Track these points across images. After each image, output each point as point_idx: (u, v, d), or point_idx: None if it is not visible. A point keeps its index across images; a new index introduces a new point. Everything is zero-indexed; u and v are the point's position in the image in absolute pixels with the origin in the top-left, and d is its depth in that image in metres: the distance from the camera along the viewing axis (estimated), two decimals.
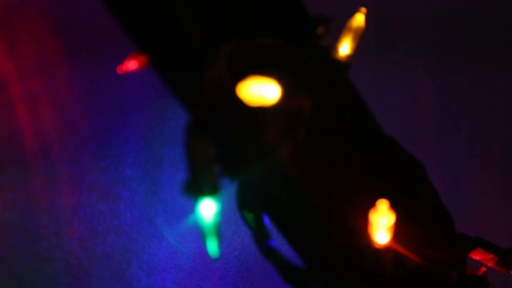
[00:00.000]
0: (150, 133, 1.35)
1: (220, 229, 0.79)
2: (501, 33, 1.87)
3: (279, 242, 0.96)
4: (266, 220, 0.96)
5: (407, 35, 1.76)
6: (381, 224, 0.84)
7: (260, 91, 0.75)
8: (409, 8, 1.76)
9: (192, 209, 0.79)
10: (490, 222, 1.92)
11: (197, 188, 0.77)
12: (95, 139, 1.28)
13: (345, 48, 1.02)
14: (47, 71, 1.22)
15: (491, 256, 1.11)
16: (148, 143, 1.34)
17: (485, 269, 1.10)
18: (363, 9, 1.06)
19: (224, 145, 0.81)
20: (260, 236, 0.95)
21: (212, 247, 0.79)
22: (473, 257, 1.11)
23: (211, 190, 0.77)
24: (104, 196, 1.29)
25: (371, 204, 0.85)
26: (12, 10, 1.18)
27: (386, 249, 0.87)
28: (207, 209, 0.77)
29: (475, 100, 1.88)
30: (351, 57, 1.03)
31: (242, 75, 0.76)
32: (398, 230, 0.87)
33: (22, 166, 1.20)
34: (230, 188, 0.86)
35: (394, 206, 0.85)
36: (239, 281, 1.52)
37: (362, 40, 1.05)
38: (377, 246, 0.87)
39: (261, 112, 0.76)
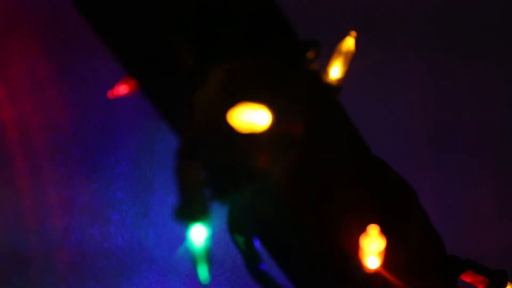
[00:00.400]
0: (141, 155, 1.35)
1: (211, 252, 0.79)
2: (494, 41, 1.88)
3: (270, 266, 0.96)
4: (257, 244, 0.96)
5: (398, 52, 1.76)
6: (372, 249, 0.84)
7: (251, 118, 0.75)
8: (399, 26, 1.76)
9: (182, 231, 0.79)
10: (481, 243, 1.92)
11: (188, 213, 0.77)
12: (86, 161, 1.28)
13: (335, 71, 1.03)
14: (38, 93, 1.22)
15: (482, 278, 1.11)
16: (139, 165, 1.34)
17: None
18: (353, 33, 1.06)
19: (215, 169, 0.81)
20: (251, 259, 0.95)
21: (203, 272, 0.79)
22: (464, 279, 1.11)
23: (202, 215, 0.77)
24: (95, 219, 1.29)
25: (362, 228, 0.85)
26: (3, 32, 1.18)
27: (376, 274, 0.87)
28: (198, 234, 0.77)
29: (468, 119, 1.88)
30: (341, 81, 1.03)
31: (234, 98, 0.76)
32: (389, 255, 0.87)
33: (13, 188, 1.20)
34: (220, 210, 0.86)
35: (385, 230, 0.85)
36: None
37: (352, 63, 1.05)
38: (367, 271, 0.87)
39: (252, 138, 0.76)
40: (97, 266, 1.30)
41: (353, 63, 1.03)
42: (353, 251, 0.87)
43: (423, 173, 1.83)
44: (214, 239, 0.79)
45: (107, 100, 1.28)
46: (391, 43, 1.73)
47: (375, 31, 1.68)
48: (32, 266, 1.22)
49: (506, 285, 1.12)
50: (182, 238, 0.78)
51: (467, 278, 1.11)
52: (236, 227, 0.96)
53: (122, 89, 0.87)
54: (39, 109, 1.22)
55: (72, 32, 1.25)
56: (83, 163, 1.28)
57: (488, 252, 1.87)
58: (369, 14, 1.70)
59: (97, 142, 1.29)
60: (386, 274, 0.89)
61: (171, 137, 0.87)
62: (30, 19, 1.22)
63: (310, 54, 0.86)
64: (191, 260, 0.78)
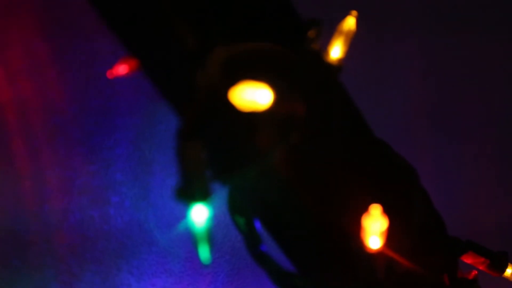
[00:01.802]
0: (141, 137, 1.34)
1: (212, 234, 0.79)
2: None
3: (271, 247, 0.96)
4: (258, 225, 0.95)
5: (399, 34, 1.76)
6: (374, 229, 0.84)
7: (253, 96, 0.74)
8: (400, 9, 1.76)
9: (182, 213, 0.78)
10: (482, 224, 1.92)
11: (189, 193, 0.76)
12: (86, 143, 1.27)
13: (336, 51, 1.02)
14: (37, 74, 1.22)
15: (483, 259, 1.11)
16: (138, 146, 1.34)
17: (476, 272, 1.10)
18: (354, 12, 1.06)
19: (216, 150, 0.80)
20: (251, 241, 0.95)
21: (204, 252, 0.79)
22: (465, 260, 1.11)
23: (203, 196, 0.76)
24: (94, 201, 1.29)
25: (364, 209, 0.85)
26: (2, 14, 1.17)
27: (378, 254, 0.87)
28: (199, 214, 0.77)
29: (467, 101, 1.88)
30: (342, 60, 1.03)
31: (235, 79, 0.75)
32: (391, 235, 0.87)
33: (12, 170, 1.20)
34: (221, 192, 0.85)
35: (386, 210, 0.85)
36: (230, 285, 1.51)
37: (353, 42, 1.05)
38: (369, 251, 0.87)
39: (253, 117, 0.75)
40: (97, 248, 1.30)
41: (354, 42, 1.03)
42: (355, 231, 0.87)
43: (424, 154, 1.83)
44: (214, 221, 0.79)
45: (106, 82, 1.27)
46: (392, 23, 1.72)
47: (377, 10, 1.67)
48: (32, 249, 1.22)
49: (506, 267, 1.12)
50: (182, 220, 0.78)
51: (468, 259, 1.11)
52: (237, 209, 0.96)
53: (121, 69, 0.86)
54: (38, 91, 1.22)
55: (71, 13, 1.24)
56: (82, 144, 1.27)
57: (486, 233, 1.88)
58: None
59: (97, 123, 1.29)
60: (388, 254, 0.88)
61: (171, 119, 0.86)
62: (28, 1, 1.21)
63: (311, 34, 0.86)
64: (192, 241, 0.78)
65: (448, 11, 1.81)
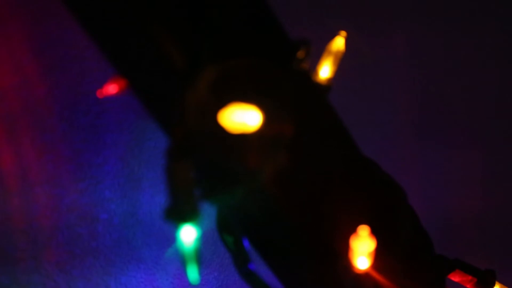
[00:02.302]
0: (129, 154, 1.34)
1: (200, 252, 0.79)
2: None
3: (259, 265, 0.96)
4: (246, 243, 0.96)
5: (387, 60, 1.77)
6: (362, 250, 0.85)
7: (242, 118, 0.75)
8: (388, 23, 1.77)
9: (171, 230, 0.79)
10: (469, 242, 1.93)
11: (178, 213, 0.76)
12: (74, 160, 1.27)
13: (325, 71, 1.03)
14: (26, 92, 1.22)
15: (470, 277, 1.11)
16: (127, 164, 1.34)
17: None
18: (343, 33, 1.06)
19: (205, 169, 0.80)
20: (240, 259, 0.95)
21: (193, 272, 0.79)
22: (452, 278, 1.11)
23: (192, 216, 0.77)
24: (83, 218, 1.29)
25: (352, 228, 0.86)
26: None
27: (366, 275, 0.87)
28: (188, 234, 0.77)
29: (454, 117, 1.89)
30: (331, 80, 1.03)
31: (224, 99, 0.75)
32: (378, 254, 0.87)
33: (0, 187, 1.20)
34: (210, 209, 0.86)
35: (373, 229, 0.85)
36: None
37: (343, 62, 1.05)
38: (357, 271, 0.87)
39: (242, 137, 0.76)
40: (85, 265, 1.29)
41: (343, 62, 1.04)
42: (343, 251, 0.87)
43: (412, 172, 1.84)
44: (203, 239, 0.79)
45: (95, 99, 1.27)
46: (380, 43, 1.73)
47: (365, 30, 1.68)
48: (20, 266, 1.22)
49: (494, 285, 1.12)
50: (170, 237, 0.78)
51: (455, 277, 1.11)
52: (225, 227, 0.96)
53: (111, 89, 0.87)
54: (27, 108, 1.22)
55: (60, 31, 1.24)
56: (71, 161, 1.27)
57: (475, 253, 1.88)
58: (359, 13, 1.70)
59: (85, 140, 1.28)
60: (375, 275, 0.89)
61: (159, 136, 0.87)
62: (18, 17, 1.21)
63: (300, 54, 0.86)
64: (181, 261, 0.78)
65: (436, 24, 1.82)
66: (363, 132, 1.05)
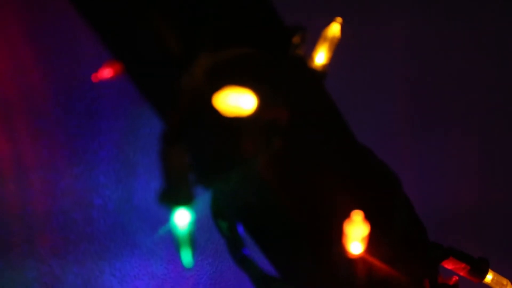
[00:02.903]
0: (124, 140, 1.34)
1: (194, 237, 0.79)
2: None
3: (253, 251, 0.96)
4: (240, 229, 0.96)
5: (383, 46, 1.77)
6: (356, 235, 0.85)
7: (237, 101, 0.75)
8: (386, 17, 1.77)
9: (165, 216, 0.79)
10: (463, 230, 1.93)
11: (172, 197, 0.77)
12: (69, 145, 1.27)
13: (320, 57, 1.03)
14: (21, 77, 1.21)
15: (463, 265, 1.11)
16: (122, 149, 1.34)
17: (457, 278, 1.10)
18: (339, 19, 1.06)
19: (200, 154, 0.81)
20: (234, 244, 0.95)
21: (186, 256, 0.79)
22: (446, 266, 1.11)
23: (186, 200, 0.77)
24: (77, 203, 1.29)
25: (346, 214, 0.86)
26: None
27: (359, 259, 0.87)
28: (182, 218, 0.77)
29: (450, 108, 1.89)
30: (326, 67, 1.03)
31: (219, 85, 0.76)
32: (372, 241, 0.87)
33: None
34: (204, 195, 0.86)
35: (368, 216, 0.85)
36: (212, 287, 1.52)
37: (338, 48, 1.05)
38: (351, 256, 0.87)
39: (237, 122, 0.76)
40: (79, 250, 1.30)
41: (338, 49, 1.03)
42: (337, 236, 0.87)
43: (407, 160, 1.84)
44: (197, 224, 0.80)
45: (90, 85, 1.27)
46: (377, 29, 1.73)
47: (361, 16, 1.68)
48: (14, 250, 1.22)
49: (487, 273, 1.13)
50: (165, 223, 0.78)
51: (448, 265, 1.11)
52: (220, 213, 0.96)
53: (106, 73, 0.87)
54: (22, 93, 1.22)
55: (55, 16, 1.24)
56: (66, 147, 1.27)
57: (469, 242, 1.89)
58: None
59: (80, 126, 1.28)
60: (369, 260, 0.89)
61: (155, 122, 0.87)
62: (13, 3, 1.21)
63: (295, 40, 0.86)
64: (175, 244, 0.79)
65: (433, 14, 1.82)
66: (358, 119, 1.05)
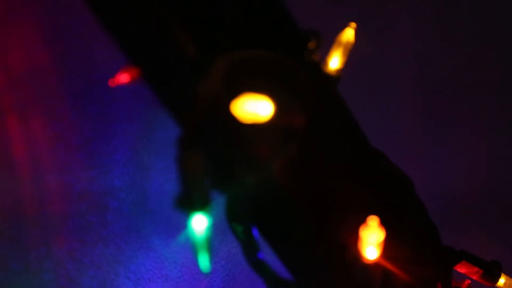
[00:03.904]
0: (139, 143, 1.35)
1: (210, 241, 0.79)
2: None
3: (268, 255, 0.96)
4: (255, 232, 0.96)
5: (396, 51, 1.77)
6: (371, 240, 0.85)
7: (254, 108, 0.75)
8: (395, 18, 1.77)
9: (180, 219, 0.79)
10: (475, 234, 1.93)
11: (189, 202, 0.77)
12: (85, 148, 1.28)
13: (335, 62, 1.03)
14: (37, 80, 1.22)
15: (476, 269, 1.12)
16: (137, 153, 1.34)
17: (469, 282, 1.11)
18: (353, 24, 1.07)
19: (216, 159, 0.81)
20: (249, 248, 0.95)
21: (204, 261, 0.79)
22: (458, 270, 1.12)
23: (203, 205, 0.77)
24: (93, 206, 1.29)
25: (361, 219, 0.86)
26: (3, 19, 1.18)
27: (375, 265, 0.88)
28: (199, 223, 0.78)
29: (461, 112, 1.89)
30: (341, 71, 1.04)
31: (236, 89, 0.76)
32: (386, 245, 0.87)
33: (12, 175, 1.20)
34: (218, 199, 0.86)
35: (383, 220, 0.86)
36: None
37: (352, 53, 1.06)
38: (366, 261, 0.87)
39: (254, 128, 0.76)
40: (95, 253, 1.30)
41: (352, 54, 1.04)
42: (352, 241, 0.87)
43: (419, 164, 1.84)
44: (211, 228, 0.80)
45: (106, 88, 1.28)
46: (389, 35, 1.73)
47: (374, 22, 1.68)
48: (31, 252, 1.23)
49: (499, 276, 1.13)
50: (179, 226, 0.79)
51: (461, 269, 1.12)
52: (235, 216, 0.97)
53: (123, 78, 0.87)
54: (38, 97, 1.22)
55: (72, 20, 1.25)
56: (81, 150, 1.28)
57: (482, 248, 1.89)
58: (369, 5, 1.71)
59: (96, 129, 1.29)
60: (384, 265, 0.89)
61: (169, 125, 0.87)
62: (30, 6, 1.22)
63: (311, 45, 0.86)
64: (192, 249, 0.79)
65: (444, 18, 1.82)
66: (373, 124, 1.06)
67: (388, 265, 0.90)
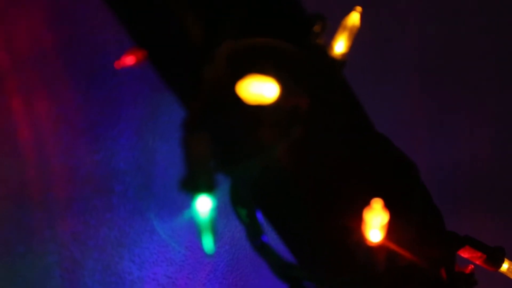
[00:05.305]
0: (144, 127, 1.35)
1: (215, 223, 0.80)
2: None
3: (272, 238, 0.97)
4: (260, 216, 0.96)
5: (401, 36, 1.77)
6: (375, 223, 0.85)
7: (259, 89, 0.75)
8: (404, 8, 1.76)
9: (184, 203, 0.79)
10: (479, 220, 1.93)
11: (194, 184, 0.77)
12: (90, 132, 1.28)
13: (340, 46, 1.03)
14: (43, 64, 1.22)
15: (479, 254, 1.12)
16: (142, 137, 1.34)
17: (473, 266, 1.11)
18: (359, 8, 1.06)
19: (221, 142, 0.81)
20: (253, 232, 0.95)
21: (208, 243, 0.80)
22: (462, 255, 1.12)
23: (208, 187, 0.78)
24: (98, 190, 1.29)
25: (365, 202, 0.86)
26: (10, 3, 1.18)
27: (379, 247, 0.88)
28: (203, 205, 0.78)
29: (465, 97, 1.89)
30: (346, 55, 1.03)
31: (241, 73, 0.76)
32: (391, 229, 0.88)
33: (17, 158, 1.20)
34: (222, 183, 0.86)
35: (387, 204, 0.86)
36: (229, 274, 1.52)
37: (357, 38, 1.06)
38: (370, 244, 0.87)
39: (259, 110, 0.76)
40: (99, 236, 1.30)
41: (358, 38, 1.04)
42: (356, 224, 0.88)
43: (424, 148, 1.84)
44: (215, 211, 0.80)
45: (111, 72, 1.28)
46: (395, 19, 1.73)
47: (380, 5, 1.68)
48: (36, 235, 1.23)
49: (503, 261, 1.13)
50: (183, 209, 0.79)
51: (464, 253, 1.12)
52: (239, 200, 0.97)
53: (128, 60, 0.87)
54: (43, 80, 1.22)
55: (77, 3, 1.25)
56: (86, 134, 1.28)
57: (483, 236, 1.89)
58: None
59: (101, 113, 1.29)
60: (388, 247, 0.89)
61: (174, 109, 0.87)
62: None
63: (316, 29, 0.86)
64: (196, 231, 0.79)
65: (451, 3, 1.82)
66: (378, 108, 1.06)
67: (393, 247, 0.91)
